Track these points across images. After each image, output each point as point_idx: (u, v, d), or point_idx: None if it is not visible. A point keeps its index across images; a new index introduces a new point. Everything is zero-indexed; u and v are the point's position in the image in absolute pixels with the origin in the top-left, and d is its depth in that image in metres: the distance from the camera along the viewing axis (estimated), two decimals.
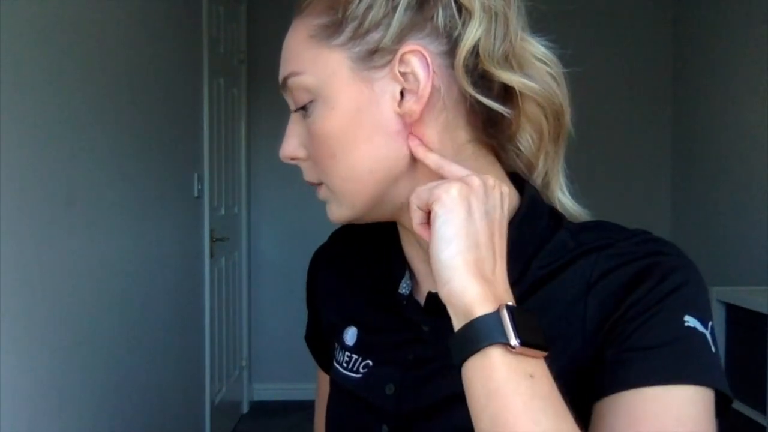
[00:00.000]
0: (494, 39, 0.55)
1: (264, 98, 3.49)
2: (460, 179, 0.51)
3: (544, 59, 0.58)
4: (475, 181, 0.51)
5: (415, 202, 0.53)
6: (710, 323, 0.52)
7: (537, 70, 0.58)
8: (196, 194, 2.61)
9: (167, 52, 2.27)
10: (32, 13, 1.34)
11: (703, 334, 0.51)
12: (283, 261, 3.60)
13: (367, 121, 0.55)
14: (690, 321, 0.51)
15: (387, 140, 0.55)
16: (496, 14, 0.55)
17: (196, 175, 2.60)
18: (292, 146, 0.60)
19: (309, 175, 0.61)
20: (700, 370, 0.49)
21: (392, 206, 0.59)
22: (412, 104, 0.54)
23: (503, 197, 0.53)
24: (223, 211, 3.04)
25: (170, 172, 2.31)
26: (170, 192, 2.31)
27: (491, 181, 0.52)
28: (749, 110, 2.78)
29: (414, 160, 0.56)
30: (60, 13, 1.46)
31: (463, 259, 0.48)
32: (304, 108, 0.57)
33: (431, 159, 0.55)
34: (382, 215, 0.61)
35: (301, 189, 3.48)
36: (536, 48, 0.58)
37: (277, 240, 3.65)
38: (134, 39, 1.92)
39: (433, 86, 0.54)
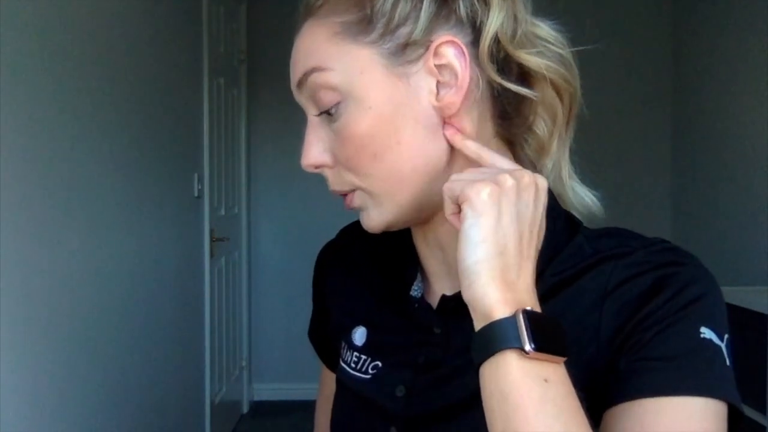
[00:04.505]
0: (511, 23, 0.55)
1: (264, 98, 3.49)
2: (493, 180, 0.50)
3: (553, 41, 0.57)
4: (508, 181, 0.49)
5: (447, 193, 0.52)
6: (726, 336, 0.51)
7: (548, 52, 0.57)
8: (196, 194, 2.60)
9: (167, 52, 2.27)
10: (32, 12, 1.34)
11: (719, 347, 0.50)
12: (283, 261, 3.60)
13: (405, 118, 0.54)
14: (706, 333, 0.50)
15: (426, 135, 0.54)
16: None
17: (196, 175, 2.60)
18: (316, 152, 0.57)
19: (337, 183, 0.58)
20: (713, 383, 0.49)
21: (432, 207, 0.57)
22: (451, 96, 0.54)
23: (538, 192, 0.51)
24: (223, 211, 3.04)
25: (170, 172, 2.31)
26: (170, 192, 2.31)
27: (527, 178, 0.50)
28: (749, 110, 2.78)
29: (452, 156, 0.55)
30: (60, 13, 1.46)
31: (488, 266, 0.48)
32: (327, 112, 0.55)
33: (469, 147, 0.54)
34: (420, 218, 0.59)
35: (301, 189, 3.48)
36: (545, 30, 0.57)
37: (277, 240, 3.65)
38: (134, 39, 1.92)
39: (470, 76, 0.54)
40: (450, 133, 0.54)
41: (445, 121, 0.55)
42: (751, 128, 2.76)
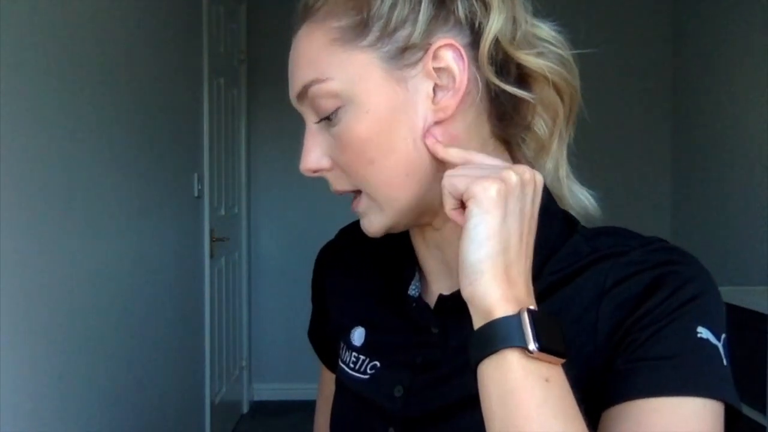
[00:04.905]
0: (510, 25, 0.55)
1: (264, 98, 3.49)
2: (498, 177, 0.49)
3: (553, 41, 0.57)
4: (513, 178, 0.49)
5: (448, 188, 0.52)
6: (723, 335, 0.51)
7: (548, 53, 0.57)
8: (196, 194, 2.60)
9: (167, 52, 2.27)
10: (32, 12, 1.34)
11: (716, 347, 0.50)
12: (284, 261, 3.60)
13: (401, 122, 0.54)
14: (703, 332, 0.50)
15: (420, 141, 0.54)
16: (505, 0, 0.55)
17: (196, 175, 2.60)
18: (314, 157, 0.57)
19: (340, 184, 0.58)
20: (710, 383, 0.49)
21: (433, 208, 0.57)
22: (448, 99, 0.54)
23: (536, 189, 0.51)
24: (223, 211, 3.04)
25: (170, 172, 2.31)
26: (170, 192, 2.31)
27: (527, 174, 0.50)
28: (749, 110, 2.78)
29: (442, 160, 0.55)
30: (59, 13, 1.46)
31: (492, 263, 0.47)
32: (327, 117, 0.55)
33: (453, 155, 0.53)
34: (422, 220, 0.59)
35: (301, 189, 3.46)
36: (545, 31, 0.57)
37: (277, 240, 3.65)
38: (134, 39, 1.92)
39: (468, 79, 0.54)
40: (431, 143, 0.54)
41: (426, 130, 0.54)
42: (751, 128, 2.76)
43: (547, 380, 0.46)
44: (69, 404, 1.50)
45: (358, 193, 0.58)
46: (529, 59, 0.55)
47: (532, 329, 0.45)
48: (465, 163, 0.53)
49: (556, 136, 0.61)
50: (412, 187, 0.55)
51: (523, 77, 0.57)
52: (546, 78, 0.57)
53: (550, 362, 0.46)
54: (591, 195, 0.62)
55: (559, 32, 0.58)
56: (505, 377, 0.46)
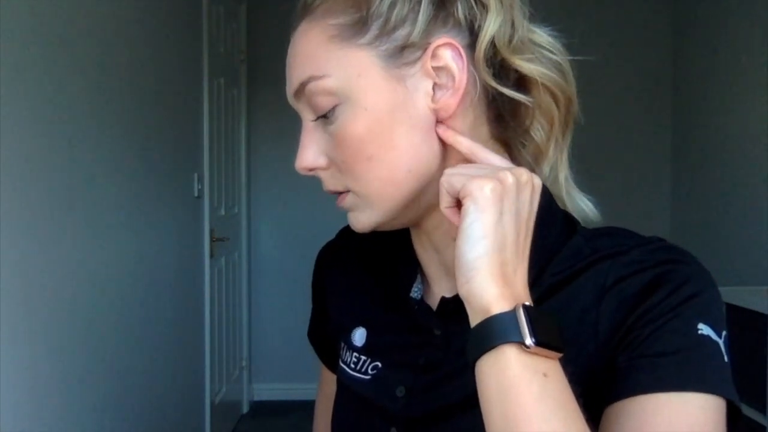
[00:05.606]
0: (508, 29, 0.55)
1: (264, 98, 3.49)
2: (495, 177, 0.50)
3: (550, 48, 0.57)
4: (509, 178, 0.49)
5: (446, 186, 0.52)
6: (724, 333, 0.52)
7: (543, 59, 0.57)
8: (196, 194, 2.61)
9: (167, 52, 2.27)
10: (32, 12, 1.34)
11: (717, 343, 0.51)
12: (283, 261, 3.60)
13: (401, 120, 0.54)
14: (703, 329, 0.50)
15: (422, 138, 0.54)
16: (504, 4, 0.55)
17: (196, 175, 2.60)
18: (311, 155, 0.57)
19: (332, 184, 0.58)
20: (712, 379, 0.49)
21: (421, 209, 0.58)
22: (447, 98, 0.54)
23: (534, 192, 0.51)
24: (223, 211, 3.04)
25: (170, 172, 2.31)
26: (170, 192, 2.31)
27: (525, 176, 0.51)
28: (749, 110, 2.78)
29: (444, 157, 0.55)
30: (59, 13, 1.46)
31: (488, 261, 0.48)
32: (324, 115, 0.55)
33: (462, 143, 0.54)
34: (408, 220, 0.59)
35: (301, 189, 3.47)
36: (542, 37, 0.57)
37: (277, 240, 3.65)
38: (134, 39, 1.92)
39: (467, 79, 0.54)
40: (442, 130, 0.54)
41: (439, 121, 0.55)
42: (751, 128, 2.76)
43: (545, 375, 0.46)
44: (69, 404, 1.50)
45: (347, 191, 0.58)
46: (523, 64, 0.55)
47: (528, 324, 0.46)
48: (469, 154, 0.54)
49: (552, 141, 0.61)
50: (408, 185, 0.55)
51: (521, 81, 0.57)
52: (541, 84, 0.57)
53: (547, 357, 0.47)
54: (590, 200, 0.62)
55: (556, 38, 0.58)
56: (503, 373, 0.46)
